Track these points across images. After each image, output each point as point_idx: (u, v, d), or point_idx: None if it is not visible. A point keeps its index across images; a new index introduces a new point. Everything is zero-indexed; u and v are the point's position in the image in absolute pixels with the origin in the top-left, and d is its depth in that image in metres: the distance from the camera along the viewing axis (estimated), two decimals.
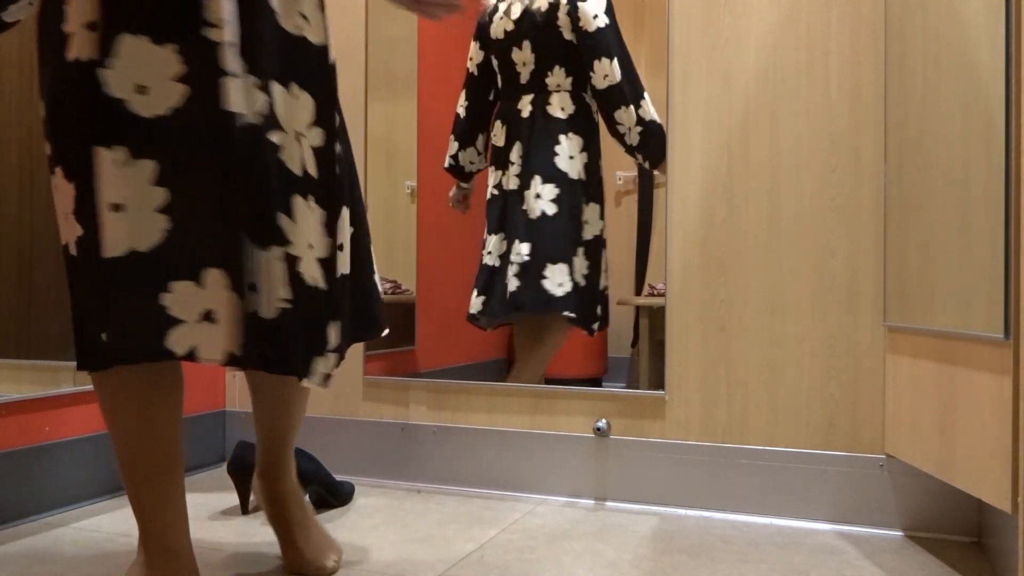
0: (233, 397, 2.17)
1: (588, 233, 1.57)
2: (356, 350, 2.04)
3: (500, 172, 1.62)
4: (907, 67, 1.47)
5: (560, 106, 1.56)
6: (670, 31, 1.78)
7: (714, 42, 1.74)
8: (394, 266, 2.08)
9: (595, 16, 1.53)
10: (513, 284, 1.56)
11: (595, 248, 1.58)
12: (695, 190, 1.75)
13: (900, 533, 1.59)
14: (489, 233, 1.62)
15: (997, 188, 1.15)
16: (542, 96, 1.57)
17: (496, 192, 1.62)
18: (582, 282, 1.58)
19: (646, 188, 1.78)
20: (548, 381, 1.92)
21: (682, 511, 1.73)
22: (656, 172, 1.59)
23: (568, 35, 1.54)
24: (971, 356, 1.24)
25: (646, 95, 1.54)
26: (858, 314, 1.64)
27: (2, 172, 1.62)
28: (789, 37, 1.69)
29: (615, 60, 1.52)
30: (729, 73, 1.73)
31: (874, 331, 1.63)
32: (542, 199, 1.55)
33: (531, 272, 1.55)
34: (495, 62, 1.62)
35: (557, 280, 1.57)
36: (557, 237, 1.55)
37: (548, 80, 1.57)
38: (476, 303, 1.61)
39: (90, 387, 1.77)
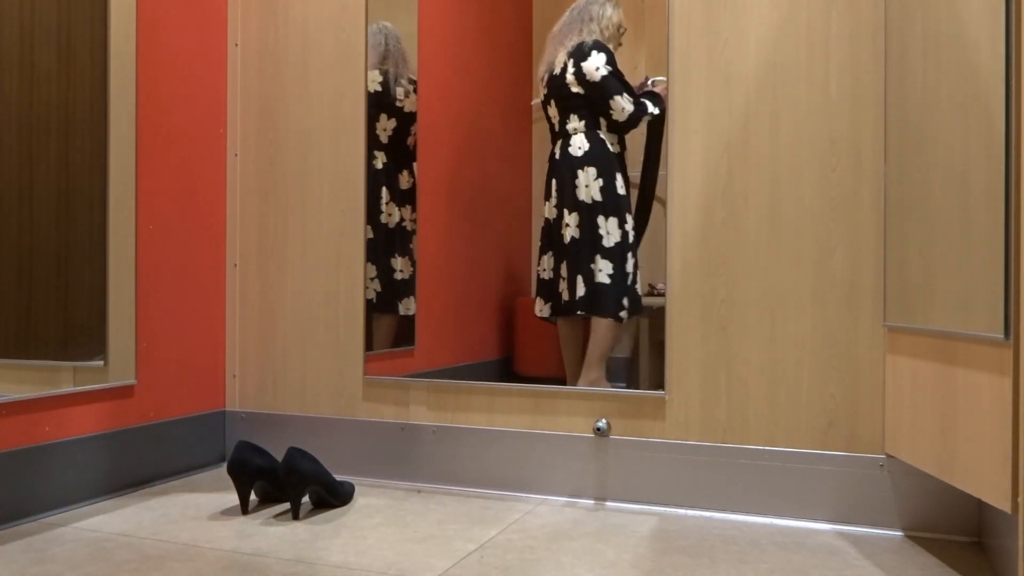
0: (233, 397, 2.17)
1: (608, 242, 1.90)
2: (356, 350, 2.04)
3: (546, 202, 1.98)
4: (907, 67, 1.47)
5: (578, 146, 1.92)
6: (670, 31, 1.78)
7: (714, 42, 1.74)
8: None
9: (597, 69, 1.91)
10: (567, 295, 1.94)
11: (615, 253, 1.89)
12: (695, 190, 1.75)
13: (900, 533, 1.59)
14: (540, 253, 1.99)
15: (997, 188, 1.15)
16: (566, 140, 1.94)
17: (545, 219, 1.98)
18: (606, 280, 1.89)
19: (646, 192, 1.91)
20: (548, 381, 1.92)
21: (682, 511, 1.73)
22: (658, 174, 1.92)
23: (576, 88, 1.93)
24: (971, 356, 1.24)
25: (646, 102, 1.89)
26: (858, 314, 1.64)
27: (2, 172, 1.62)
28: (789, 37, 1.69)
29: (623, 95, 1.90)
30: (729, 73, 1.73)
31: (874, 331, 1.63)
32: (571, 227, 1.93)
33: (571, 284, 1.94)
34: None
35: (581, 289, 1.92)
36: (582, 254, 1.92)
37: (568, 126, 1.94)
38: (544, 308, 1.97)
39: (90, 387, 1.77)
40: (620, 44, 1.95)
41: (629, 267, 1.90)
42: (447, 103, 2.06)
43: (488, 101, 2.09)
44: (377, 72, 2.06)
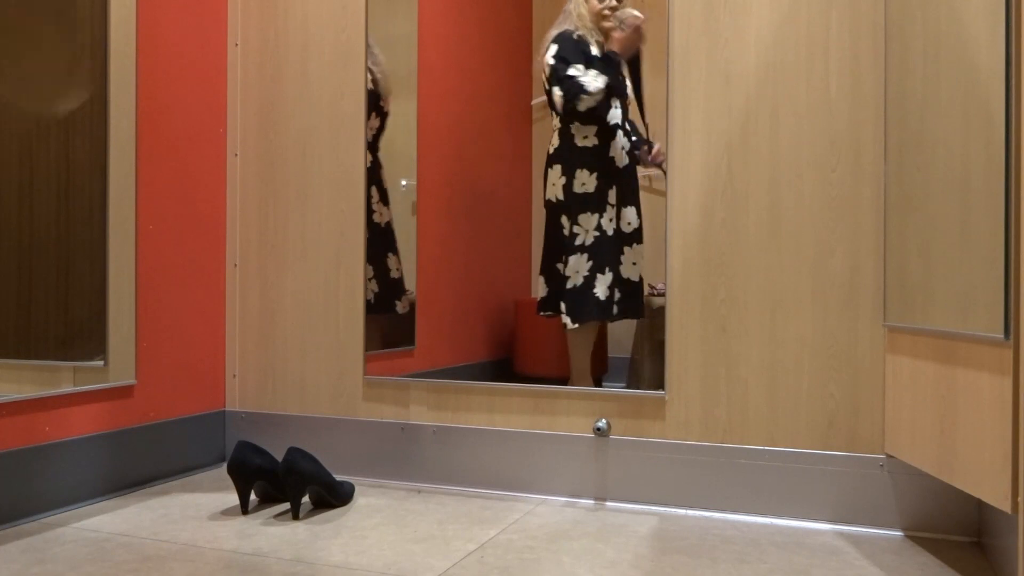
0: (233, 397, 2.17)
1: (567, 243, 1.87)
2: (356, 350, 2.04)
3: None
4: (907, 66, 1.47)
5: (552, 144, 1.90)
6: (670, 31, 1.78)
7: (714, 42, 1.74)
8: None
9: (547, 62, 1.88)
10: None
11: (578, 253, 1.86)
12: (695, 190, 1.75)
13: (900, 533, 1.59)
14: None
15: (997, 188, 1.15)
16: (552, 138, 1.92)
17: None
18: (568, 284, 1.86)
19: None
20: (548, 381, 1.92)
21: (682, 511, 1.73)
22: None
23: (546, 85, 1.89)
24: (971, 356, 1.24)
25: (581, 79, 1.83)
26: (858, 314, 1.64)
27: (2, 172, 1.62)
28: (789, 37, 1.69)
29: (555, 87, 1.85)
30: (729, 73, 1.73)
31: (874, 331, 1.63)
32: (547, 226, 1.93)
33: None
34: None
35: (543, 290, 1.93)
36: (550, 254, 1.92)
37: (553, 123, 1.92)
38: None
39: (90, 387, 1.77)
40: (608, 14, 1.86)
41: (576, 269, 1.85)
42: (447, 103, 2.06)
43: (488, 101, 2.09)
44: (367, 70, 2.06)
